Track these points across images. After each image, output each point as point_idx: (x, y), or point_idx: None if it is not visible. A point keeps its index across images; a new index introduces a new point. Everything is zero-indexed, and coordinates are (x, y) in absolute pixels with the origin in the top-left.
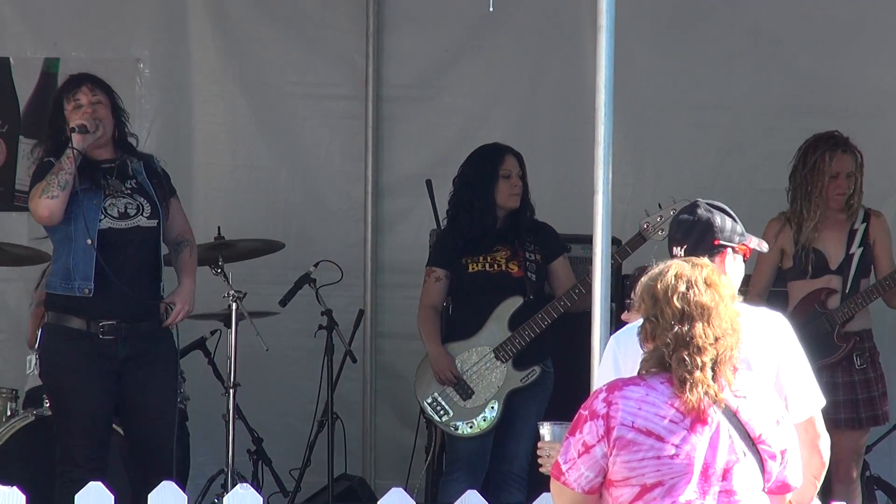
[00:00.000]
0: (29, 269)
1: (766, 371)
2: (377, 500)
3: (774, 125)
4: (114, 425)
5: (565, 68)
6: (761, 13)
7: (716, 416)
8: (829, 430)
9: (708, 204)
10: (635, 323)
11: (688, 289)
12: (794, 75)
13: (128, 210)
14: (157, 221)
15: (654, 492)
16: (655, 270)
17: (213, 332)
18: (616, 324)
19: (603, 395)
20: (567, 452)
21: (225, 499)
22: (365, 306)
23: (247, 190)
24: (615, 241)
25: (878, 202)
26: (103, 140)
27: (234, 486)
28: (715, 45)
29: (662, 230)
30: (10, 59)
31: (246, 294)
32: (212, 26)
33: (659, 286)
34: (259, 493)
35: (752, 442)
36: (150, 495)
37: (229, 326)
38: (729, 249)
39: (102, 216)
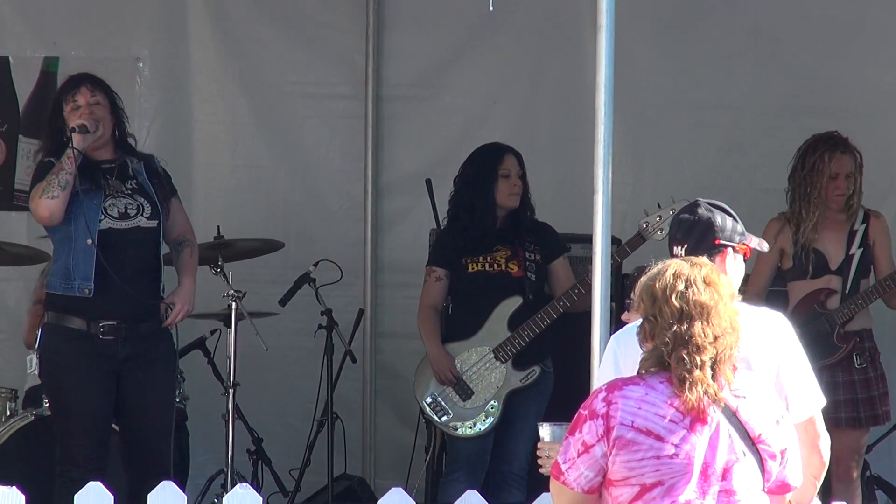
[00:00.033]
0: (29, 269)
1: (767, 371)
2: (377, 500)
3: (774, 125)
4: (112, 425)
5: (565, 68)
6: (761, 13)
7: (715, 415)
8: (829, 429)
9: (708, 203)
10: (635, 323)
11: (686, 288)
12: (794, 75)
13: (128, 210)
14: (157, 222)
15: (653, 491)
16: (654, 270)
17: (212, 332)
18: (616, 324)
19: (602, 394)
20: (567, 452)
21: (224, 499)
22: (365, 306)
23: (247, 189)
24: (615, 241)
25: (878, 202)
26: (103, 140)
27: (233, 485)
28: (715, 45)
29: (662, 230)
30: (10, 59)
31: (246, 294)
32: (212, 26)
33: (657, 285)
34: (259, 493)
35: (751, 441)
36: (149, 495)
37: (229, 326)
38: (729, 249)
39: (102, 216)
